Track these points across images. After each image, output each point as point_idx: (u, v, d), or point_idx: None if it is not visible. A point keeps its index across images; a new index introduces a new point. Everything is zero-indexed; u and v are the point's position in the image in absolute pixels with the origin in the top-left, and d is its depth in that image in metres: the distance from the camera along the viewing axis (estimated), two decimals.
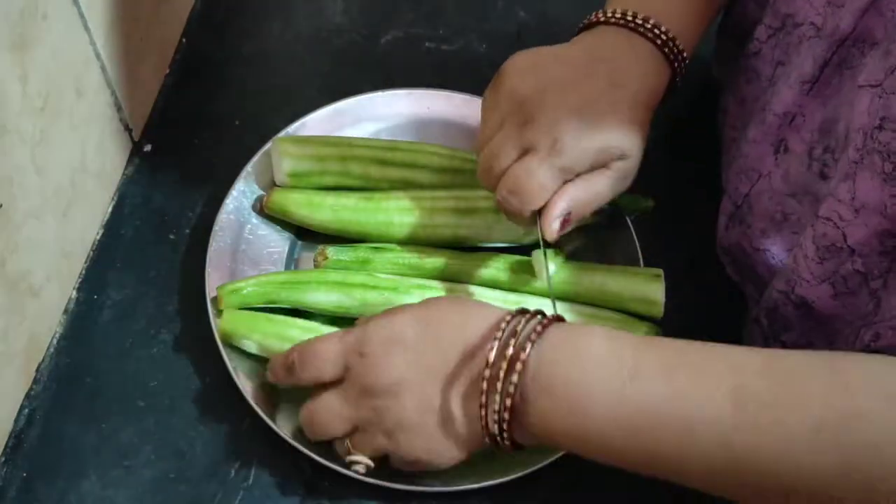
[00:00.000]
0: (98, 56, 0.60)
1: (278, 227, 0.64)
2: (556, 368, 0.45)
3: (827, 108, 0.50)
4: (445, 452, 0.50)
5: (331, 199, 0.62)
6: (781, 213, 0.54)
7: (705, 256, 0.63)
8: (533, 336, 0.46)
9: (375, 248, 0.62)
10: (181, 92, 0.72)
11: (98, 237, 0.65)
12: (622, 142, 0.55)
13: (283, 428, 0.54)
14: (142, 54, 0.67)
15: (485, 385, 0.46)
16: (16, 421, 0.56)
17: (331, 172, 0.63)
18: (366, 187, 0.64)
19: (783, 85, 0.53)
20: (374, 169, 0.64)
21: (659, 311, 0.60)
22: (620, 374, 0.44)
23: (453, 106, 0.69)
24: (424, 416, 0.49)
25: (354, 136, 0.67)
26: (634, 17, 0.57)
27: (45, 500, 0.54)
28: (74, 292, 0.62)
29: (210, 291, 0.59)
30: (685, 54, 0.58)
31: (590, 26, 0.59)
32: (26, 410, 0.57)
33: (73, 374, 0.59)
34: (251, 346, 0.57)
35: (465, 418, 0.48)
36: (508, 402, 0.45)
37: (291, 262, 0.64)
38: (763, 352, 0.45)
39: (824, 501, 0.40)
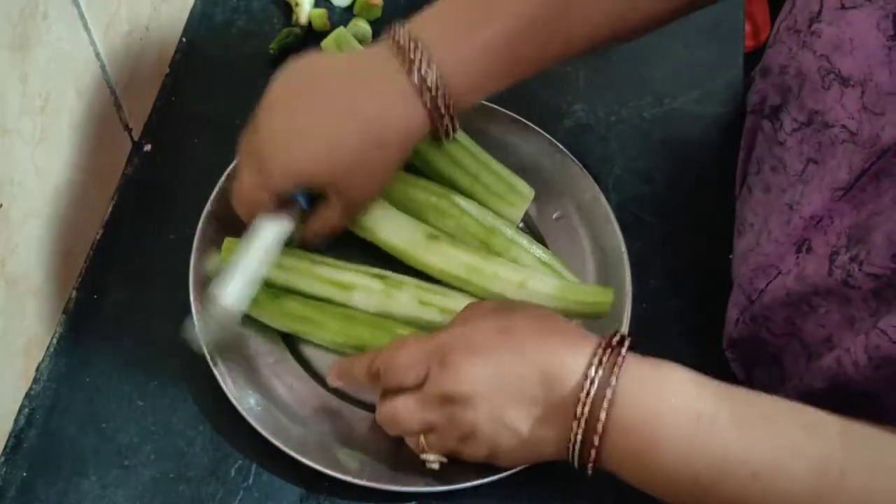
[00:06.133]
0: (98, 56, 0.60)
1: None
2: (636, 410, 0.47)
3: (860, 213, 0.49)
4: (510, 460, 0.52)
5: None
6: (808, 306, 0.53)
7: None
8: (616, 370, 0.47)
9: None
10: (181, 92, 0.72)
11: (98, 237, 0.64)
12: (321, 172, 0.54)
13: (278, 437, 0.54)
14: (142, 54, 0.67)
15: (575, 420, 0.48)
16: (16, 421, 0.57)
17: None
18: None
19: (814, 189, 0.52)
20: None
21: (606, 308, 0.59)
22: (697, 423, 0.46)
23: None
24: (496, 427, 0.50)
25: None
26: (413, 51, 0.52)
27: (45, 500, 0.54)
28: (74, 292, 0.62)
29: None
30: (452, 111, 0.54)
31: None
32: (26, 410, 0.57)
33: (73, 374, 0.59)
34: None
35: (536, 438, 0.50)
36: (596, 439, 0.47)
37: None
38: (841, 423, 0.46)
39: None
